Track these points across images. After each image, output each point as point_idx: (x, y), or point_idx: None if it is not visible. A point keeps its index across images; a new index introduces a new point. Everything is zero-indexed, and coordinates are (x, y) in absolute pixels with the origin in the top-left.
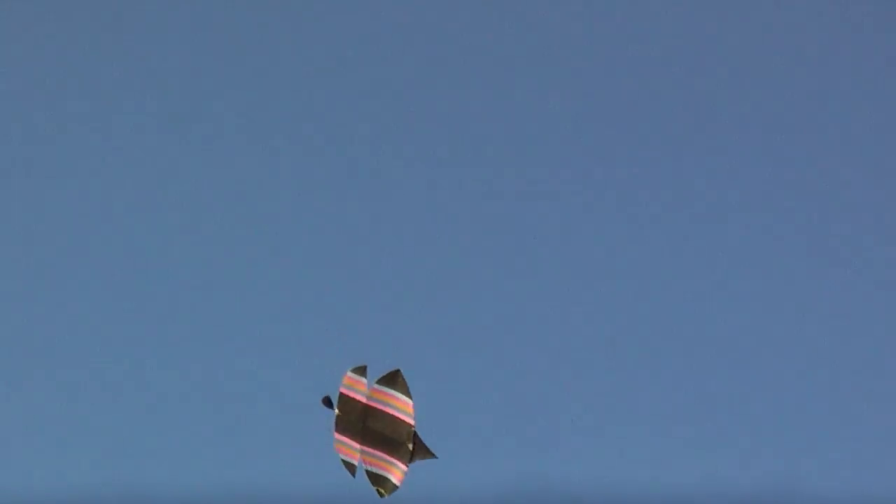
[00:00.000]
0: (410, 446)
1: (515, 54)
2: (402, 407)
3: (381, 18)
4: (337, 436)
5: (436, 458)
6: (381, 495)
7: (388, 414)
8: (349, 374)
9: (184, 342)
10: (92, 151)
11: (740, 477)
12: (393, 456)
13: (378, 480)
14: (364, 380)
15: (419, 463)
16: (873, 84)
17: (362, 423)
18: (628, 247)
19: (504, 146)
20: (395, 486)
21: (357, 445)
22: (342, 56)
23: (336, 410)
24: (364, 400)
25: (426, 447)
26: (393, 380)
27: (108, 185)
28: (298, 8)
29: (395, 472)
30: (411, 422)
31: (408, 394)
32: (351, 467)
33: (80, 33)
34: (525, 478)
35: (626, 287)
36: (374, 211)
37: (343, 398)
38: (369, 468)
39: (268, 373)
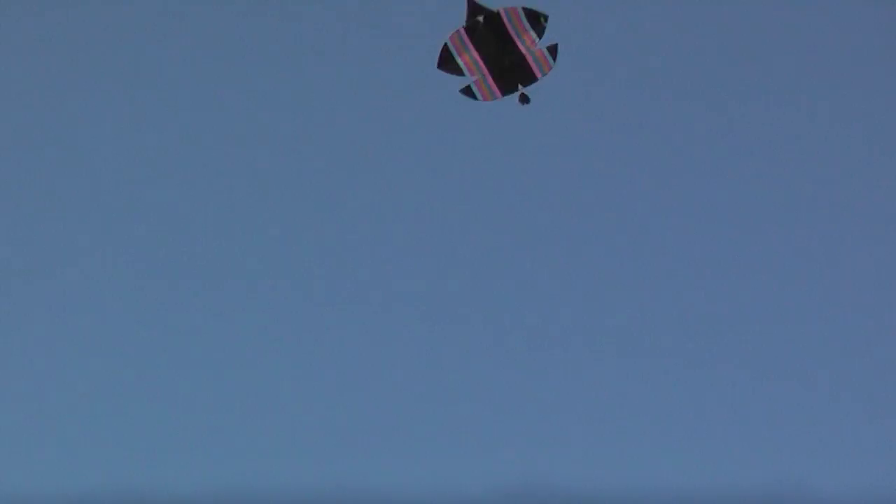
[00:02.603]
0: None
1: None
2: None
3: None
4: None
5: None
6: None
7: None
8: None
9: (184, 341)
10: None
11: (741, 477)
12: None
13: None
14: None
15: (418, 463)
16: (874, 85)
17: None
18: (629, 246)
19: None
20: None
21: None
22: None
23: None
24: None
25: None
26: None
27: (104, 185)
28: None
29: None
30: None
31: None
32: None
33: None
34: (524, 478)
35: (627, 286)
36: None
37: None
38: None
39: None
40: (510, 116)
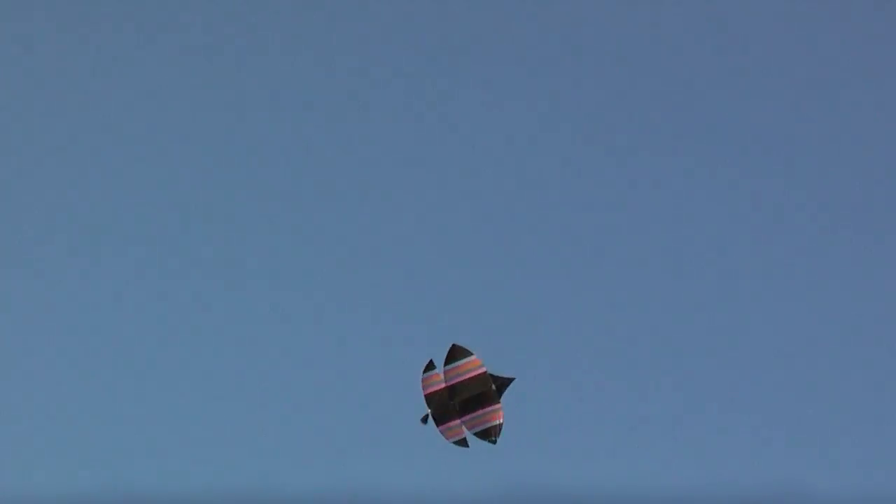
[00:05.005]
0: (494, 387)
1: (517, 54)
2: (471, 366)
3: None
4: (441, 428)
5: (514, 378)
6: (493, 441)
7: (466, 379)
8: (423, 376)
9: (186, 344)
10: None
11: (741, 477)
12: (487, 405)
13: (486, 433)
14: (436, 371)
15: (421, 462)
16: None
17: (453, 402)
18: (629, 247)
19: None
20: (500, 424)
21: (458, 422)
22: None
23: (430, 415)
24: (444, 385)
25: (504, 377)
26: (454, 354)
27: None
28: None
29: (495, 415)
30: (483, 369)
31: (469, 353)
32: (463, 443)
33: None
34: (525, 478)
35: (627, 287)
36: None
37: (430, 396)
38: (475, 430)
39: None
40: (508, 122)
